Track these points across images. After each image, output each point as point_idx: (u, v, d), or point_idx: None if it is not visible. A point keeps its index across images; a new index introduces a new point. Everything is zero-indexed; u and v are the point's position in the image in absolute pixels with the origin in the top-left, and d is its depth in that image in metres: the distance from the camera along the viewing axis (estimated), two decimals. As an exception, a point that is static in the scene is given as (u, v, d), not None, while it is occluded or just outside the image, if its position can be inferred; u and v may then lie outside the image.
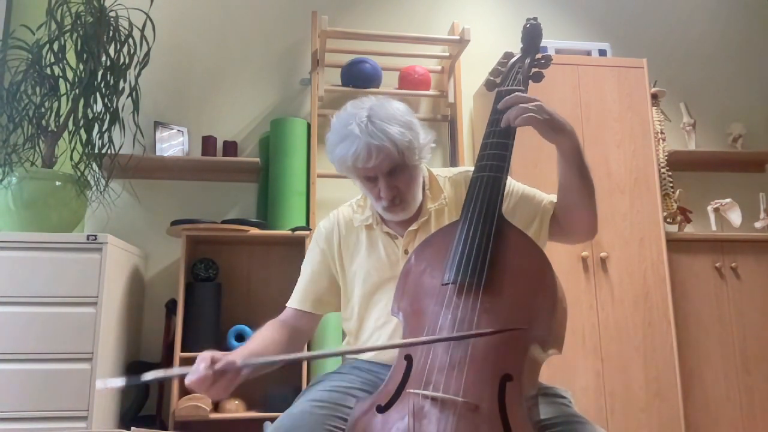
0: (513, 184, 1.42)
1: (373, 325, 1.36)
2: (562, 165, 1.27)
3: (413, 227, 1.37)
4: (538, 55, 1.41)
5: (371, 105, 1.31)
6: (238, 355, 1.16)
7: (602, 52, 3.11)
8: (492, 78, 1.42)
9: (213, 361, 1.09)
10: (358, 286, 1.40)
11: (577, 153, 1.25)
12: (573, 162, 1.25)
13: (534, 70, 1.39)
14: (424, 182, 1.43)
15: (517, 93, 1.24)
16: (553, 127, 1.21)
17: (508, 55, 1.44)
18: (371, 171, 1.30)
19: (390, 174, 1.30)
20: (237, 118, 3.09)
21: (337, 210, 1.51)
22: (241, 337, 2.55)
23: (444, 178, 1.46)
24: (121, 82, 2.43)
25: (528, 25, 1.43)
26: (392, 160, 1.28)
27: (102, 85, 2.39)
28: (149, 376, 1.07)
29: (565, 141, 1.24)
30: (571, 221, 1.34)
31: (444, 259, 1.16)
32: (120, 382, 1.01)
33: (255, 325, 2.59)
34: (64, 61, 2.34)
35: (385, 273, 1.36)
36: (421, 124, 1.36)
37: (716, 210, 3.12)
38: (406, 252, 1.35)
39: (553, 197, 1.38)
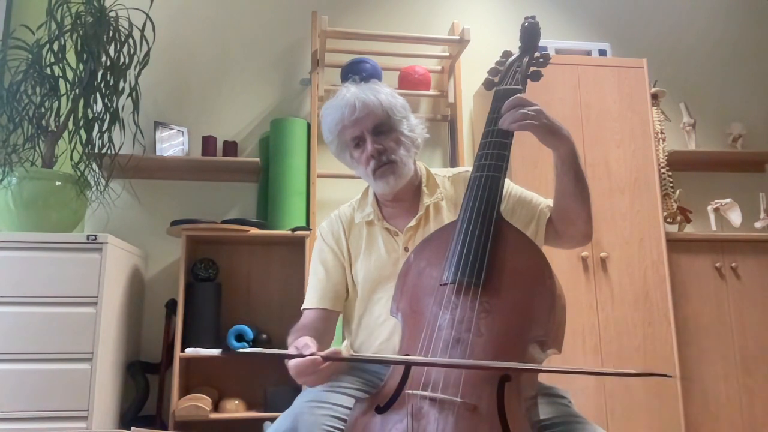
0: (511, 186, 1.43)
1: (373, 323, 1.36)
2: (559, 170, 1.28)
3: (412, 223, 1.39)
4: (537, 54, 1.41)
5: (365, 83, 1.43)
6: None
7: (602, 52, 3.11)
8: (490, 77, 1.42)
9: (310, 346, 1.11)
10: (359, 284, 1.41)
11: (574, 158, 1.26)
12: (570, 167, 1.26)
13: (532, 69, 1.39)
14: (421, 179, 1.45)
15: (518, 96, 1.24)
16: (551, 132, 1.22)
17: (506, 54, 1.44)
18: (357, 127, 1.36)
19: (376, 133, 1.37)
20: (237, 118, 3.09)
21: (337, 210, 1.53)
22: (240, 337, 2.55)
23: (443, 178, 1.47)
24: (121, 82, 2.43)
25: (526, 24, 1.43)
26: (377, 116, 1.36)
27: (102, 85, 2.39)
28: (246, 350, 1.09)
29: (563, 146, 1.24)
30: (567, 226, 1.35)
31: (443, 258, 1.16)
32: (215, 352, 1.03)
33: (255, 325, 2.61)
34: (64, 61, 2.34)
35: (386, 270, 1.37)
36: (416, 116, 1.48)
37: (716, 210, 3.12)
38: (406, 249, 1.36)
39: (551, 201, 1.39)
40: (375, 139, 1.37)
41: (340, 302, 1.43)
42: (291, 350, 1.12)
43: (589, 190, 1.31)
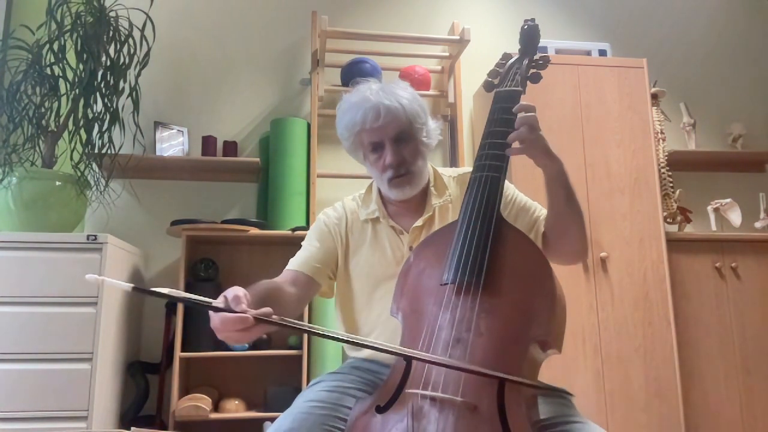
0: (516, 193, 1.43)
1: (374, 320, 1.36)
2: (551, 189, 1.28)
3: (418, 223, 1.39)
4: (536, 56, 1.41)
5: (383, 83, 1.39)
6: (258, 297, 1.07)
7: (602, 52, 3.11)
8: (490, 79, 1.43)
9: (241, 301, 0.99)
10: (360, 280, 1.41)
11: (565, 177, 1.26)
12: (562, 185, 1.26)
13: (532, 71, 1.39)
14: (429, 179, 1.45)
15: (533, 114, 1.21)
16: (546, 153, 1.23)
17: (506, 57, 1.45)
18: (378, 134, 1.35)
19: (396, 141, 1.35)
20: (237, 118, 3.09)
21: (342, 201, 1.52)
22: (241, 337, 2.55)
23: (449, 177, 1.48)
24: (121, 82, 2.43)
25: (526, 27, 1.43)
26: (400, 124, 1.34)
27: (102, 85, 2.39)
28: (166, 290, 0.93)
29: (555, 165, 1.25)
30: (561, 243, 1.34)
31: (443, 259, 1.16)
32: (126, 285, 0.89)
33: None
34: (64, 61, 2.34)
35: (390, 269, 1.37)
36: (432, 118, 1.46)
37: (716, 210, 3.12)
38: (411, 249, 1.36)
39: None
40: (395, 148, 1.35)
41: (322, 277, 1.41)
42: (219, 300, 1.01)
43: (581, 209, 1.30)
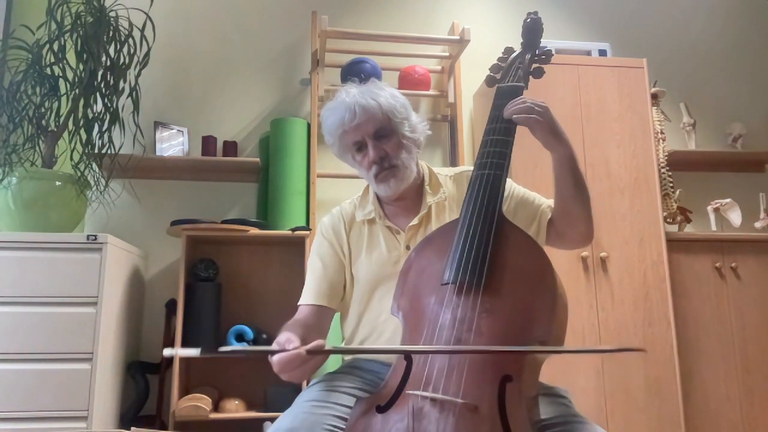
0: (513, 186, 1.43)
1: (373, 321, 1.36)
2: (558, 172, 1.28)
3: (414, 222, 1.39)
4: (539, 51, 1.41)
5: (364, 86, 1.41)
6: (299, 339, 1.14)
7: (602, 52, 3.11)
8: (492, 74, 1.41)
9: (293, 340, 1.09)
10: (359, 282, 1.41)
11: (573, 161, 1.27)
12: (569, 170, 1.27)
13: (534, 65, 1.39)
14: (423, 178, 1.45)
15: (525, 99, 1.25)
16: (553, 133, 1.23)
17: (508, 51, 1.44)
18: (358, 132, 1.36)
19: (377, 137, 1.36)
20: (237, 118, 3.09)
21: (339, 206, 1.52)
22: (241, 337, 2.55)
23: (445, 176, 1.48)
24: (121, 82, 2.43)
25: (528, 20, 1.43)
26: (377, 121, 1.35)
27: (102, 85, 2.39)
28: (228, 348, 1.04)
29: (562, 148, 1.25)
30: (568, 227, 1.36)
31: (444, 258, 1.16)
32: (194, 352, 0.98)
33: (255, 325, 2.61)
34: (64, 61, 2.34)
35: (387, 269, 1.37)
36: (417, 114, 1.45)
37: (716, 210, 3.11)
38: (407, 248, 1.36)
39: (552, 202, 1.40)
40: (376, 143, 1.36)
41: (336, 299, 1.42)
42: (273, 346, 1.09)
43: (588, 193, 1.32)
